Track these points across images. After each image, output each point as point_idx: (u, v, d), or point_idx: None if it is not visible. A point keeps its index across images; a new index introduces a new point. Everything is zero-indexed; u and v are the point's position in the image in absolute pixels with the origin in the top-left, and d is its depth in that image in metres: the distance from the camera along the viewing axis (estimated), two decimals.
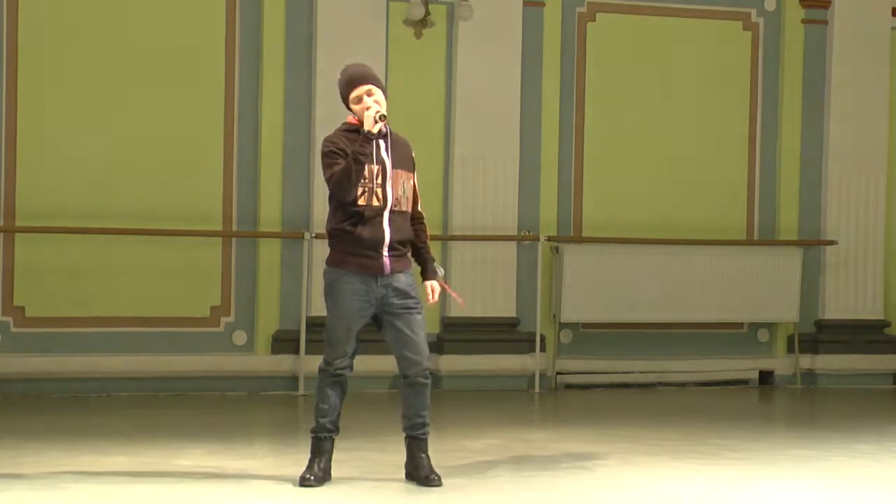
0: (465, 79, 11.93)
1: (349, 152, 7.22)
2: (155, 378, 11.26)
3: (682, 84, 12.59)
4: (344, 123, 7.43)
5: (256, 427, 10.27)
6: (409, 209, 7.42)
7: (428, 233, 7.60)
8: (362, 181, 7.25)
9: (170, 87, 11.40)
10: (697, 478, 7.85)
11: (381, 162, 7.32)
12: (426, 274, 7.53)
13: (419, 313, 7.36)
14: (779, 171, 12.81)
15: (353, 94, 7.35)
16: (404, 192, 7.38)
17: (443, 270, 7.71)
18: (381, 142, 7.35)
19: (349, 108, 7.41)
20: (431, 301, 7.54)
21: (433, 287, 7.50)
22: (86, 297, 11.21)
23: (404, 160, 7.43)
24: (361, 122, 7.30)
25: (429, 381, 7.37)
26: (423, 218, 7.57)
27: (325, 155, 7.31)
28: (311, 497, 7.08)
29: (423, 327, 7.37)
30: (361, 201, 7.26)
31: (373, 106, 7.29)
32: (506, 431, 9.49)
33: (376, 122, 7.25)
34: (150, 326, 11.36)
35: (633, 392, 12.13)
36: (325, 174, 7.30)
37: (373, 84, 7.36)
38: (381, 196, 7.29)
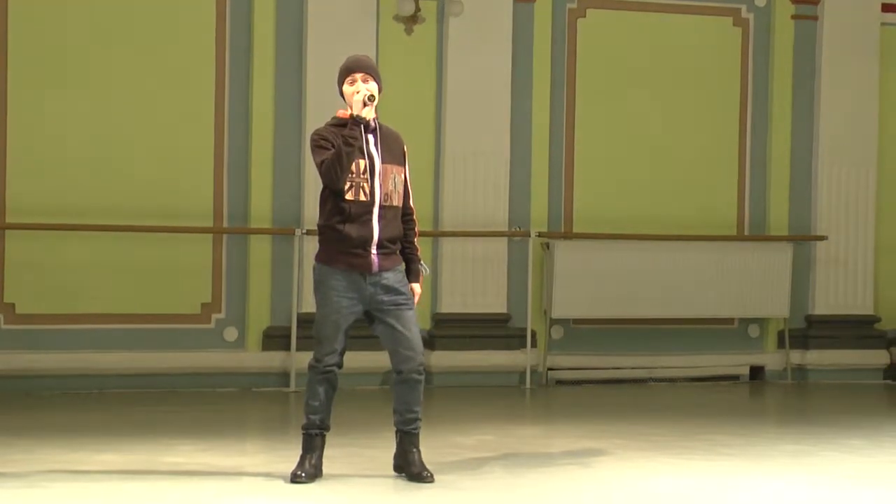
0: (456, 75, 11.92)
1: (336, 144, 7.18)
2: (146, 375, 11.24)
3: (673, 80, 12.59)
4: (333, 118, 7.37)
5: (247, 424, 10.26)
6: (401, 204, 7.37)
7: (417, 231, 7.53)
8: (350, 175, 7.20)
9: (160, 83, 11.38)
10: (688, 473, 7.86)
11: (369, 157, 7.27)
12: (409, 276, 7.44)
13: (410, 309, 7.32)
14: (769, 167, 12.81)
15: (347, 80, 7.31)
16: (395, 187, 7.32)
17: (428, 270, 7.62)
18: (370, 136, 7.30)
19: (343, 97, 7.34)
20: None
21: (414, 290, 7.42)
22: (76, 293, 11.20)
23: (395, 154, 7.37)
24: (352, 112, 7.24)
25: (422, 377, 7.35)
26: (412, 214, 7.48)
27: (313, 145, 7.27)
28: (303, 493, 7.08)
29: (415, 322, 7.33)
30: (349, 196, 7.20)
31: (362, 90, 7.25)
32: (497, 427, 9.49)
33: (365, 104, 7.22)
34: (140, 323, 11.35)
35: (623, 388, 12.13)
36: (316, 161, 7.24)
37: (368, 73, 7.33)
38: (367, 191, 7.23)
